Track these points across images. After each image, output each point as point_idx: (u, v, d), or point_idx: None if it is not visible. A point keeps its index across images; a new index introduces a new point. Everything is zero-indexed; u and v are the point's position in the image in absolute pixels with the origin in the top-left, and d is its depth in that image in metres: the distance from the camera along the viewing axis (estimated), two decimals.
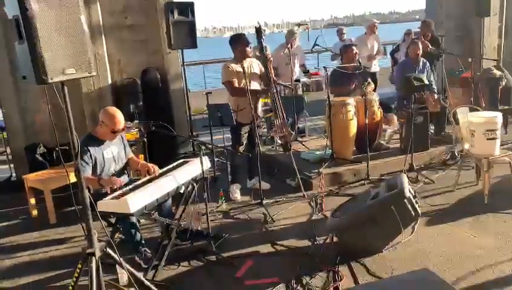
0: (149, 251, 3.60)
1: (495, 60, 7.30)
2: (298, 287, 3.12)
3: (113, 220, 3.64)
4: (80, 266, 2.60)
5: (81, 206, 2.89)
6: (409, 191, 3.33)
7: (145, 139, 5.64)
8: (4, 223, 4.77)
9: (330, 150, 5.37)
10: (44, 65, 2.09)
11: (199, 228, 3.99)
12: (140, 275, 2.75)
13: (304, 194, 4.76)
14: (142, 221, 4.37)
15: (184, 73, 6.30)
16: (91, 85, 6.07)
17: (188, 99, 6.38)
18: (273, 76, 4.74)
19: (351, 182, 5.04)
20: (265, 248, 3.77)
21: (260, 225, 4.21)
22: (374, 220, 3.33)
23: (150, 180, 3.48)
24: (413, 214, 3.33)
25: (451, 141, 5.61)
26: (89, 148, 3.53)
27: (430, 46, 6.27)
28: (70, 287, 2.67)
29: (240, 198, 4.85)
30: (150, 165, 3.70)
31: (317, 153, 5.64)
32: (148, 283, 2.76)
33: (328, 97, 5.13)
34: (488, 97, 6.39)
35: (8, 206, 5.22)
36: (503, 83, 6.67)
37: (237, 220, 4.39)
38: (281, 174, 5.40)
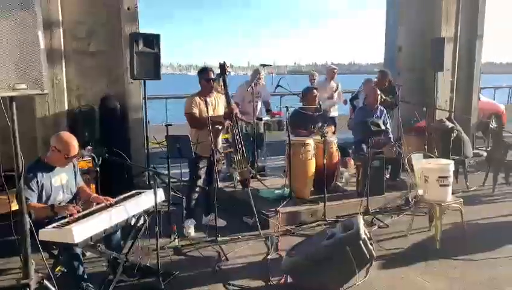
0: (91, 286, 3.36)
1: (448, 111, 7.67)
2: None
3: (56, 252, 3.41)
4: None
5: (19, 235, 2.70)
6: (364, 233, 3.32)
7: (98, 169, 5.43)
8: None
9: (288, 189, 5.34)
10: None
11: (148, 264, 3.79)
12: None
13: (260, 233, 4.66)
14: (88, 254, 4.12)
15: (145, 104, 6.20)
16: (46, 110, 5.85)
17: (146, 131, 6.24)
18: (237, 111, 4.73)
19: (308, 222, 5.01)
20: (217, 288, 3.61)
21: (213, 263, 4.06)
22: (329, 261, 3.28)
23: (98, 210, 3.30)
24: (368, 256, 3.31)
25: (406, 187, 5.73)
26: (37, 174, 3.34)
27: (383, 96, 6.50)
28: None
29: (193, 234, 4.69)
30: (103, 198, 3.52)
31: (276, 191, 5.60)
32: None
33: (289, 136, 5.16)
34: (441, 146, 6.64)
35: None
36: (455, 134, 6.97)
37: (189, 257, 4.22)
38: (238, 211, 5.30)
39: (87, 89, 6.19)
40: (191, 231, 4.71)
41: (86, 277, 3.36)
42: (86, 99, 6.15)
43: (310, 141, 5.29)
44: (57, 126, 5.88)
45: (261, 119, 6.48)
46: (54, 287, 2.39)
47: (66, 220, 3.08)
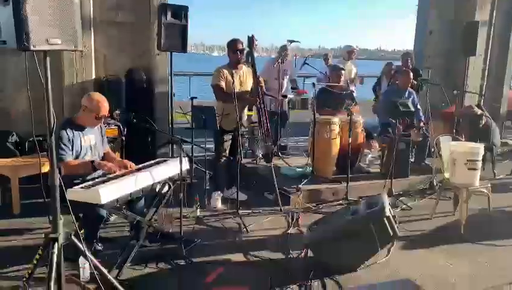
0: (100, 246, 3.44)
1: (479, 95, 7.46)
2: None
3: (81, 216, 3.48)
4: (40, 252, 2.43)
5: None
6: (389, 210, 3.27)
7: (124, 138, 5.50)
8: None
9: (311, 167, 5.31)
10: (28, 30, 1.97)
11: (170, 231, 3.84)
12: (104, 270, 2.58)
13: (280, 208, 4.66)
14: (112, 219, 4.21)
15: (171, 75, 6.20)
16: (74, 78, 5.91)
17: (171, 103, 6.26)
18: (263, 86, 4.69)
19: (330, 201, 4.98)
20: (237, 257, 3.63)
21: (234, 234, 4.09)
22: (351, 237, 3.25)
23: (124, 175, 3.34)
24: (392, 234, 3.27)
25: (431, 171, 5.64)
26: (67, 131, 3.38)
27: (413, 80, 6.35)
28: (27, 274, 2.50)
29: (220, 206, 4.72)
30: (126, 161, 3.56)
31: (298, 169, 5.58)
32: (112, 279, 2.60)
33: (314, 114, 5.10)
34: (468, 133, 6.47)
35: None
36: (483, 122, 6.79)
37: (210, 228, 4.25)
38: (259, 187, 5.30)
39: (114, 59, 6.21)
40: (218, 203, 4.73)
41: (98, 237, 3.43)
42: (112, 69, 6.19)
43: (336, 120, 5.22)
44: (84, 93, 5.93)
45: (286, 96, 6.41)
46: (81, 242, 2.43)
47: (95, 181, 3.12)
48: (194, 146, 4.68)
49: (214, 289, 3.11)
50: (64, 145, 3.35)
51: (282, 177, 5.34)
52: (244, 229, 4.15)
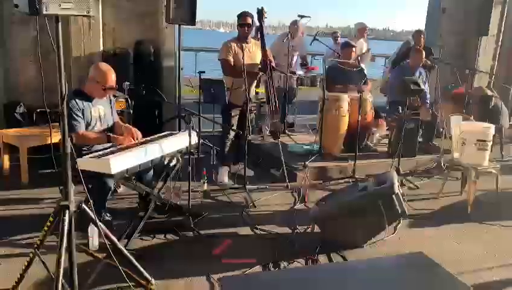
0: (109, 216, 3.47)
1: (490, 76, 7.36)
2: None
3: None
4: (51, 219, 2.44)
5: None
6: (398, 188, 3.27)
7: (131, 111, 5.48)
8: None
9: (318, 145, 5.29)
10: None
11: (178, 203, 3.86)
12: (114, 238, 2.60)
13: (287, 185, 4.66)
14: (120, 190, 4.23)
15: (179, 48, 6.14)
16: (81, 50, 5.87)
17: (179, 77, 6.22)
18: (272, 61, 4.64)
19: (336, 178, 4.97)
20: (245, 231, 3.66)
21: (241, 209, 4.10)
22: (359, 213, 3.26)
23: (134, 146, 3.33)
24: (400, 211, 3.27)
25: (438, 151, 5.61)
26: (77, 101, 3.37)
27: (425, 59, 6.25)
28: (38, 241, 2.52)
29: (227, 181, 4.73)
30: (134, 129, 3.55)
31: (305, 146, 5.57)
32: (121, 247, 2.61)
33: (324, 91, 5.04)
34: (478, 115, 6.41)
35: None
36: (493, 103, 6.72)
37: (218, 202, 4.27)
38: (265, 163, 5.30)
39: (122, 31, 6.15)
40: (225, 178, 4.74)
41: (106, 207, 3.45)
42: (120, 41, 6.13)
43: (345, 97, 5.17)
44: (91, 65, 5.91)
45: (294, 73, 6.34)
46: (92, 211, 2.44)
47: (104, 151, 3.12)
48: (202, 120, 4.66)
49: (222, 261, 3.13)
50: (76, 114, 3.34)
51: (289, 154, 5.33)
52: (251, 204, 4.16)
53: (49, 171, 4.82)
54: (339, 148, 5.34)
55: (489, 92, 6.78)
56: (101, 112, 3.56)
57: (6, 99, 5.70)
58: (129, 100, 5.48)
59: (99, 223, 2.48)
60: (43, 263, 2.52)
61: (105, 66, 3.46)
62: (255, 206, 4.13)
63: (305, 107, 7.38)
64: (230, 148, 4.87)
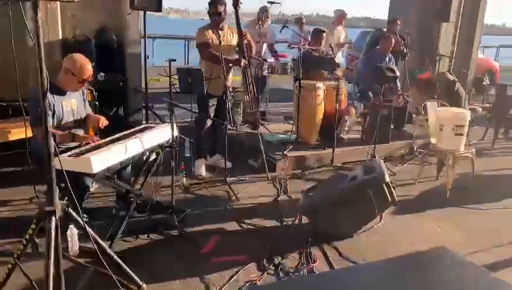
0: (86, 217, 3.24)
1: (449, 61, 7.57)
2: (270, 267, 2.93)
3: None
4: (33, 226, 2.22)
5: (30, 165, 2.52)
6: (388, 176, 3.25)
7: (97, 103, 5.20)
8: None
9: (294, 134, 5.22)
10: None
11: (158, 200, 3.67)
12: (103, 243, 2.41)
13: (268, 175, 4.57)
14: (92, 188, 3.97)
15: (145, 35, 5.86)
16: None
17: (145, 65, 5.94)
18: (253, 47, 4.49)
19: (315, 166, 4.94)
20: (231, 226, 3.54)
21: (224, 203, 3.98)
22: (350, 203, 3.22)
23: (112, 141, 3.11)
24: (390, 199, 3.26)
25: (410, 137, 5.71)
26: (48, 96, 3.08)
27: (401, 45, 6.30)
28: (18, 250, 2.29)
29: (204, 174, 4.57)
30: (98, 117, 3.32)
31: (280, 136, 5.49)
32: (110, 252, 2.42)
33: (300, 79, 4.96)
34: (444, 99, 6.57)
35: None
36: (456, 88, 6.91)
37: (198, 196, 4.12)
38: (242, 154, 5.18)
39: (82, 18, 5.76)
40: (202, 171, 4.58)
41: (83, 208, 3.22)
42: (81, 29, 5.74)
43: (321, 85, 5.12)
44: (51, 56, 5.51)
45: (266, 60, 6.22)
46: (80, 216, 2.24)
47: (80, 149, 2.89)
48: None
49: (213, 259, 3.00)
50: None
51: (265, 144, 5.22)
52: (234, 197, 4.04)
53: (12, 169, 4.50)
54: (314, 137, 5.30)
55: (451, 77, 6.96)
56: (74, 105, 3.29)
57: None
58: (94, 91, 5.20)
59: (89, 230, 2.28)
60: (25, 274, 2.30)
61: (81, 58, 3.19)
62: (238, 199, 4.02)
63: (276, 96, 7.30)
64: (207, 140, 4.71)
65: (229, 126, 4.27)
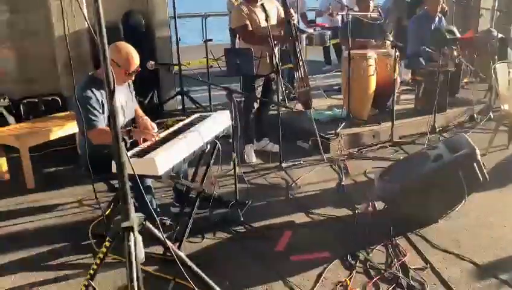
0: (167, 219, 2.98)
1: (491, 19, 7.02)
2: (357, 264, 2.64)
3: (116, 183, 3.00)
4: (107, 244, 1.96)
5: (82, 168, 2.26)
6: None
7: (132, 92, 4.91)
8: None
9: (345, 109, 4.86)
10: None
11: (217, 194, 3.41)
12: (181, 253, 2.14)
13: (323, 157, 4.25)
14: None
15: (175, 16, 5.51)
16: (66, 28, 5.15)
17: (178, 47, 5.62)
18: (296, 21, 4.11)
19: (372, 144, 4.59)
20: (299, 218, 3.24)
21: (284, 191, 3.68)
22: (437, 186, 2.89)
23: (170, 136, 2.82)
24: (481, 179, 2.91)
25: (466, 104, 5.29)
26: (94, 92, 2.79)
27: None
28: (92, 271, 2.04)
29: (254, 160, 4.27)
30: (149, 123, 3.00)
31: (327, 112, 5.13)
32: (189, 262, 2.14)
33: (349, 49, 4.56)
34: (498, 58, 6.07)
35: None
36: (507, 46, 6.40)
37: (255, 186, 3.81)
38: (289, 136, 4.84)
39: (108, 3, 5.42)
40: (253, 157, 4.28)
41: (159, 210, 2.97)
42: (107, 14, 5.32)
43: (372, 54, 4.71)
44: (79, 46, 5.25)
45: (303, 32, 5.80)
46: (158, 229, 1.97)
47: (140, 147, 2.61)
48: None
49: (292, 258, 2.73)
50: (93, 108, 2.77)
51: (309, 122, 4.87)
52: (294, 184, 3.74)
53: (55, 169, 4.29)
54: (367, 111, 4.92)
55: (497, 34, 6.44)
56: (122, 101, 2.98)
57: None
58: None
59: (170, 244, 2.01)
60: None
61: (127, 47, 2.85)
62: (299, 187, 3.72)
63: (314, 68, 6.89)
64: (254, 124, 4.39)
65: (282, 108, 3.93)
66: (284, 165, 4.04)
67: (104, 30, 1.74)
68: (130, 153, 2.52)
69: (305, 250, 2.81)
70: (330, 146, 4.44)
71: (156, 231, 1.98)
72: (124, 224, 1.84)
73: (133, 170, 1.90)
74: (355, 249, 2.77)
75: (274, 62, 4.00)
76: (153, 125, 2.97)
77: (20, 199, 3.66)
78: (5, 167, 3.97)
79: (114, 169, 2.39)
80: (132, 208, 1.88)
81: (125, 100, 3.02)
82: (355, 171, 4.00)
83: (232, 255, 2.81)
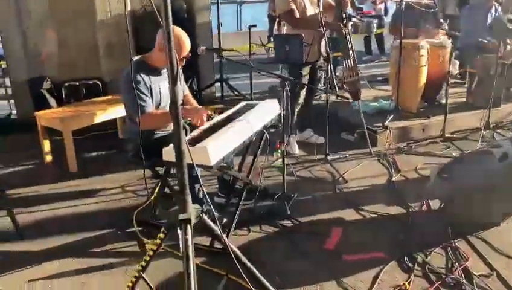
0: (213, 210, 2.87)
1: None
2: (415, 267, 2.47)
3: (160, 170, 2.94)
4: (162, 236, 1.87)
5: (136, 155, 2.17)
6: None
7: None
8: (9, 170, 3.94)
9: (393, 101, 4.64)
10: None
11: (262, 186, 3.28)
12: (235, 249, 2.03)
13: (371, 151, 4.07)
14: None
15: (218, 4, 5.39)
16: (107, 11, 5.11)
17: (219, 33, 5.50)
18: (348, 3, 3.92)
19: (422, 139, 4.38)
20: (348, 214, 3.08)
21: (330, 185, 3.53)
22: (503, 187, 2.68)
23: (219, 124, 2.70)
24: None
25: None
26: (143, 76, 2.71)
27: None
28: (143, 262, 1.96)
29: (297, 152, 4.14)
30: (204, 110, 2.88)
31: (373, 104, 4.93)
32: (243, 258, 2.03)
33: (401, 38, 4.33)
34: None
35: (11, 150, 4.38)
36: None
37: (300, 179, 3.68)
38: (333, 127, 4.67)
39: None
40: (296, 149, 4.15)
41: (205, 200, 2.87)
42: None
43: (424, 44, 4.47)
44: (120, 30, 5.19)
45: (350, 19, 5.56)
46: (214, 221, 1.87)
47: (192, 134, 2.50)
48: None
49: (345, 257, 2.59)
50: (142, 92, 2.69)
51: (354, 114, 4.69)
52: (341, 178, 3.59)
53: (97, 154, 4.26)
54: (416, 104, 4.70)
55: None
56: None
57: (28, 74, 5.02)
58: None
59: (225, 239, 1.90)
60: (151, 288, 1.99)
61: (180, 32, 2.73)
62: (346, 181, 3.56)
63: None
64: (298, 114, 4.24)
65: (332, 97, 3.77)
66: (329, 158, 3.88)
67: (170, 14, 1.58)
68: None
69: (357, 249, 2.66)
70: (378, 139, 4.25)
71: (212, 224, 1.87)
72: (182, 216, 1.74)
73: (191, 159, 1.78)
74: (411, 250, 2.60)
75: (323, 50, 3.83)
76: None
77: (64, 183, 3.65)
78: (48, 150, 3.96)
79: (165, 156, 2.33)
80: (189, 199, 1.77)
81: None
82: (405, 166, 3.80)
83: (280, 250, 2.69)
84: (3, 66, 5.29)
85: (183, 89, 3.09)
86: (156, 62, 2.79)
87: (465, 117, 4.66)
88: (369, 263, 2.53)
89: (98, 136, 4.48)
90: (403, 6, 4.23)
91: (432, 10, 4.63)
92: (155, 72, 2.80)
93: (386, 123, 4.33)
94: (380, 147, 4.22)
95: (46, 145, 3.94)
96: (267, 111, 2.99)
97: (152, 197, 3.01)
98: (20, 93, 5.02)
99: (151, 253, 1.91)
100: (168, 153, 2.32)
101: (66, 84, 5.03)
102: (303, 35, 3.39)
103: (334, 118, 4.72)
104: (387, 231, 2.86)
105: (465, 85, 5.17)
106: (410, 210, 3.08)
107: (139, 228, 2.80)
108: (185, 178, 1.74)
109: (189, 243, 1.72)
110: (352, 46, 3.93)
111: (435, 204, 3.09)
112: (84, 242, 2.81)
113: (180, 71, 3.09)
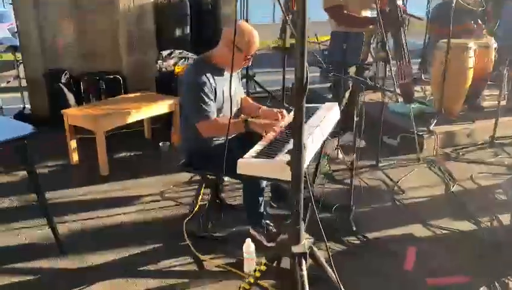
0: (272, 226, 2.63)
1: None
2: None
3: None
4: (263, 268, 1.61)
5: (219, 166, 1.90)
6: None
7: None
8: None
9: (435, 104, 4.41)
10: None
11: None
12: (331, 269, 1.76)
13: (419, 157, 3.84)
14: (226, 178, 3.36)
15: None
16: (130, 2, 4.77)
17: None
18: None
19: (468, 144, 4.17)
20: (416, 230, 2.84)
21: (387, 196, 3.29)
22: None
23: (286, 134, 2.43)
24: None
25: None
26: (208, 77, 2.42)
27: None
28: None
29: (341, 156, 3.88)
30: (277, 110, 2.61)
31: (413, 106, 4.67)
32: (334, 277, 1.78)
33: (449, 38, 4.08)
34: None
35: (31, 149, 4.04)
36: None
37: (349, 187, 3.41)
38: (372, 130, 4.44)
39: None
40: (339, 153, 3.89)
41: (265, 213, 2.62)
42: None
43: (472, 45, 4.24)
44: (142, 22, 4.87)
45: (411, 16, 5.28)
46: (328, 251, 1.62)
47: (262, 145, 2.23)
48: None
49: (429, 281, 2.35)
50: (207, 96, 2.40)
51: (393, 116, 4.46)
52: (397, 188, 3.35)
53: (126, 155, 3.97)
54: (459, 107, 4.48)
55: None
56: (232, 89, 2.60)
57: (44, 66, 4.68)
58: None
59: (329, 269, 1.64)
60: None
61: (247, 28, 2.43)
62: (403, 192, 3.32)
63: None
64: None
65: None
66: (380, 164, 3.64)
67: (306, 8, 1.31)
68: (253, 152, 2.16)
69: (437, 271, 2.43)
70: (423, 144, 4.03)
71: (323, 261, 1.62)
72: (296, 249, 1.49)
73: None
74: (497, 272, 2.38)
75: (372, 50, 3.59)
76: (283, 113, 2.57)
77: (96, 186, 3.36)
78: (75, 150, 3.65)
79: (240, 169, 2.05)
80: (303, 230, 1.52)
81: (235, 88, 2.63)
82: (459, 175, 3.58)
83: (351, 271, 2.42)
84: (17, 59, 4.92)
85: (241, 90, 2.82)
86: (219, 61, 2.50)
87: (509, 121, 4.45)
88: (456, 288, 2.30)
89: (124, 135, 4.19)
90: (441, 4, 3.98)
91: (481, 9, 4.40)
92: (219, 72, 2.51)
93: (431, 127, 4.10)
94: (425, 152, 4.00)
95: (73, 146, 3.63)
96: (332, 116, 2.74)
97: (196, 207, 2.79)
98: (34, 87, 4.69)
99: (247, 286, 1.65)
100: (245, 166, 2.05)
101: (85, 78, 4.69)
102: (364, 33, 3.13)
103: (378, 120, 4.52)
104: (464, 250, 2.64)
105: (505, 88, 4.95)
106: (481, 225, 2.86)
107: (191, 241, 2.58)
108: (301, 205, 1.48)
109: (305, 279, 1.47)
110: (407, 46, 3.68)
111: (505, 219, 2.88)
112: (134, 258, 2.54)
113: (239, 73, 2.83)
